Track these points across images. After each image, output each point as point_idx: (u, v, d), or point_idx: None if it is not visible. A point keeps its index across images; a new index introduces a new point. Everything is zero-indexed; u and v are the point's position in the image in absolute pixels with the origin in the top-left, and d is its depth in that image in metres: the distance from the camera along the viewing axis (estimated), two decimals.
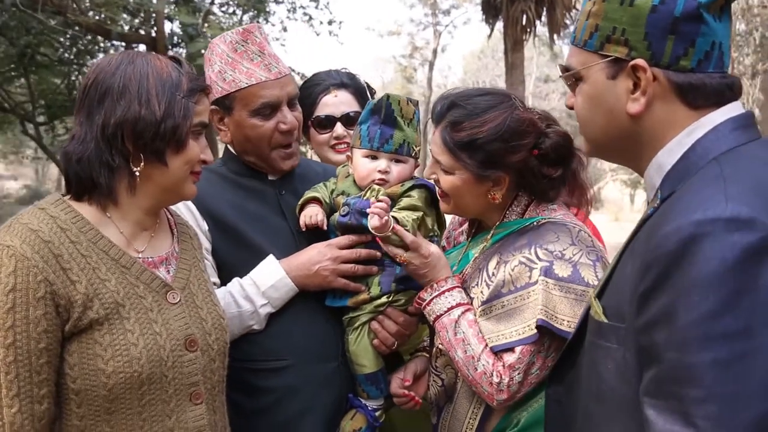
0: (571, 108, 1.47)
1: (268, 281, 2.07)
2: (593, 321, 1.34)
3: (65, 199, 1.65)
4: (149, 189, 1.66)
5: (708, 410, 1.05)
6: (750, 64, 15.39)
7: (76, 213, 1.61)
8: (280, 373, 2.09)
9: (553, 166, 1.94)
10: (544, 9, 13.30)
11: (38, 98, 14.42)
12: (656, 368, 1.12)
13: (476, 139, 1.89)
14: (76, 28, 11.04)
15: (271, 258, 2.11)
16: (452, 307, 1.93)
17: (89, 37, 11.79)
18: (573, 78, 1.41)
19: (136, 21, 12.44)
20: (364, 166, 2.16)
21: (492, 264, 1.93)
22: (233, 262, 2.11)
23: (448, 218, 2.31)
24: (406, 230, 1.99)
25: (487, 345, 1.86)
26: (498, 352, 1.84)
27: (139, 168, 1.62)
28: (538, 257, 1.84)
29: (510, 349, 1.83)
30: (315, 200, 2.19)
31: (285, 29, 13.51)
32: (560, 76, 1.47)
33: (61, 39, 12.10)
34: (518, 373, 1.81)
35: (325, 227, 2.15)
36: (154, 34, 11.59)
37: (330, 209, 2.20)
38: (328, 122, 2.72)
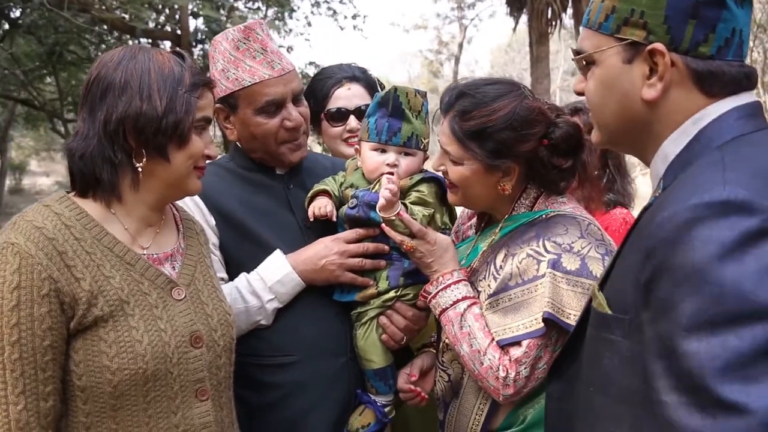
0: (580, 93, 1.43)
1: (274, 276, 2.06)
2: (596, 313, 1.30)
3: (69, 196, 1.65)
4: (152, 185, 1.66)
5: (721, 397, 1.01)
6: None
7: (80, 210, 1.61)
8: (287, 368, 2.09)
9: (563, 156, 1.91)
10: (570, 1, 13.15)
11: (67, 95, 14.64)
12: (665, 360, 1.08)
13: (486, 128, 1.87)
14: (103, 26, 11.16)
15: (278, 253, 2.10)
16: (458, 301, 1.91)
17: (116, 35, 11.91)
18: (585, 62, 1.36)
19: (161, 18, 12.55)
20: (372, 159, 2.14)
21: (500, 257, 1.91)
22: (240, 257, 2.11)
23: (458, 212, 2.29)
24: (414, 218, 1.98)
25: (493, 339, 1.84)
26: (504, 346, 1.82)
27: (141, 164, 1.62)
28: (546, 250, 1.82)
29: (517, 343, 1.81)
30: (324, 193, 2.18)
31: (309, 24, 13.52)
32: (572, 59, 1.42)
33: (88, 37, 12.24)
34: (525, 368, 1.79)
35: (335, 218, 2.14)
36: (179, 32, 11.68)
37: (339, 202, 2.18)
38: (341, 115, 2.72)
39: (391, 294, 2.11)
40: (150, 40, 11.82)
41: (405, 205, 2.02)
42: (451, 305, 1.91)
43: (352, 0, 13.86)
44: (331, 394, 2.12)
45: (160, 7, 11.99)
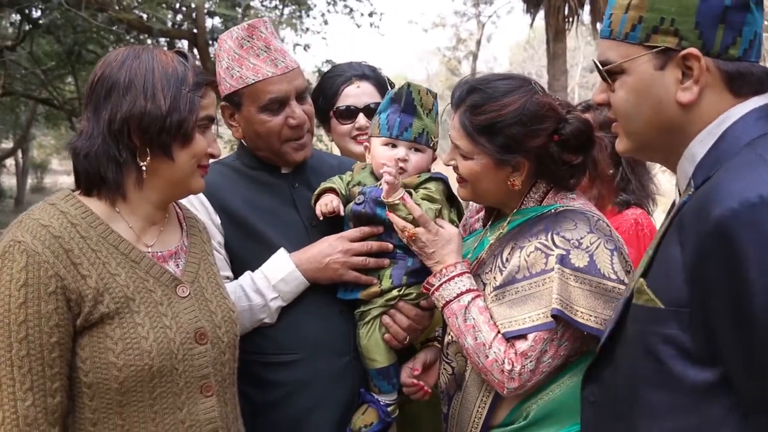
0: (602, 104, 1.48)
1: (278, 275, 2.07)
2: (644, 310, 1.32)
3: (75, 195, 1.67)
4: (157, 183, 1.68)
5: None
6: None
7: (85, 208, 1.63)
8: (290, 366, 2.09)
9: (573, 152, 1.91)
10: None
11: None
12: (736, 351, 1.17)
13: (496, 123, 1.87)
14: (121, 26, 11.24)
15: (282, 251, 2.11)
16: (462, 293, 1.91)
17: (133, 34, 12.00)
18: (610, 72, 1.41)
19: (178, 17, 12.62)
20: (382, 154, 2.15)
21: (507, 250, 1.91)
22: (245, 255, 2.12)
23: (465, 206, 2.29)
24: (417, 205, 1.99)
25: (498, 332, 1.83)
26: (510, 339, 1.82)
27: (145, 162, 1.63)
28: (554, 244, 1.81)
29: (522, 336, 1.80)
30: (330, 190, 2.18)
31: (326, 22, 13.49)
32: (598, 70, 1.46)
33: (106, 36, 12.34)
34: (530, 361, 1.78)
35: (342, 213, 2.14)
36: (195, 30, 11.74)
37: (346, 201, 2.19)
38: (350, 113, 2.72)
39: (394, 293, 2.11)
40: (167, 39, 11.90)
41: (410, 193, 2.03)
42: (455, 297, 1.91)
43: None
44: (334, 393, 2.12)
45: (177, 6, 12.05)
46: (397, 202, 1.98)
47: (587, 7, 13.21)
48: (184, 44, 12.56)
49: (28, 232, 1.54)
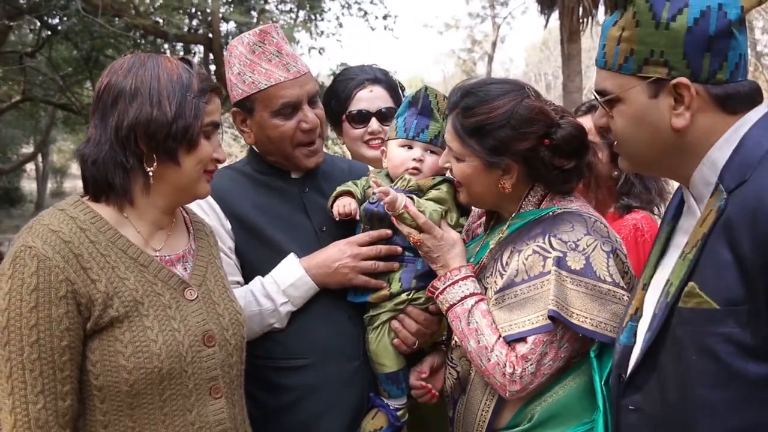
0: (603, 128, 1.57)
1: (288, 280, 2.08)
2: (697, 312, 1.36)
3: (84, 200, 1.69)
4: (163, 188, 1.70)
5: None
6: None
7: (94, 213, 1.65)
8: (300, 371, 2.10)
9: (565, 157, 1.91)
10: None
11: None
12: None
13: (485, 125, 1.89)
14: (138, 31, 11.34)
15: (291, 256, 2.12)
16: (465, 297, 1.92)
17: (150, 39, 12.10)
18: (609, 101, 1.49)
19: (194, 22, 12.69)
20: (398, 155, 2.18)
21: (506, 254, 1.92)
22: (255, 260, 2.13)
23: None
24: (421, 211, 2.01)
25: (500, 335, 1.84)
26: (511, 342, 1.83)
27: (152, 168, 1.66)
28: (552, 246, 1.83)
29: (522, 339, 1.81)
30: (347, 194, 2.20)
31: (341, 25, 13.56)
32: (597, 101, 1.56)
33: (123, 41, 12.45)
34: (531, 364, 1.79)
35: (357, 218, 2.16)
36: (210, 35, 11.81)
37: (361, 204, 2.19)
38: (362, 117, 2.73)
39: (403, 297, 2.12)
40: (183, 44, 11.98)
41: (412, 198, 2.05)
42: (459, 301, 1.92)
43: (383, 0, 13.74)
44: (344, 398, 2.13)
45: (193, 11, 12.12)
46: (402, 211, 2.00)
47: (601, 8, 13.10)
48: (199, 49, 12.65)
49: (38, 237, 1.56)
